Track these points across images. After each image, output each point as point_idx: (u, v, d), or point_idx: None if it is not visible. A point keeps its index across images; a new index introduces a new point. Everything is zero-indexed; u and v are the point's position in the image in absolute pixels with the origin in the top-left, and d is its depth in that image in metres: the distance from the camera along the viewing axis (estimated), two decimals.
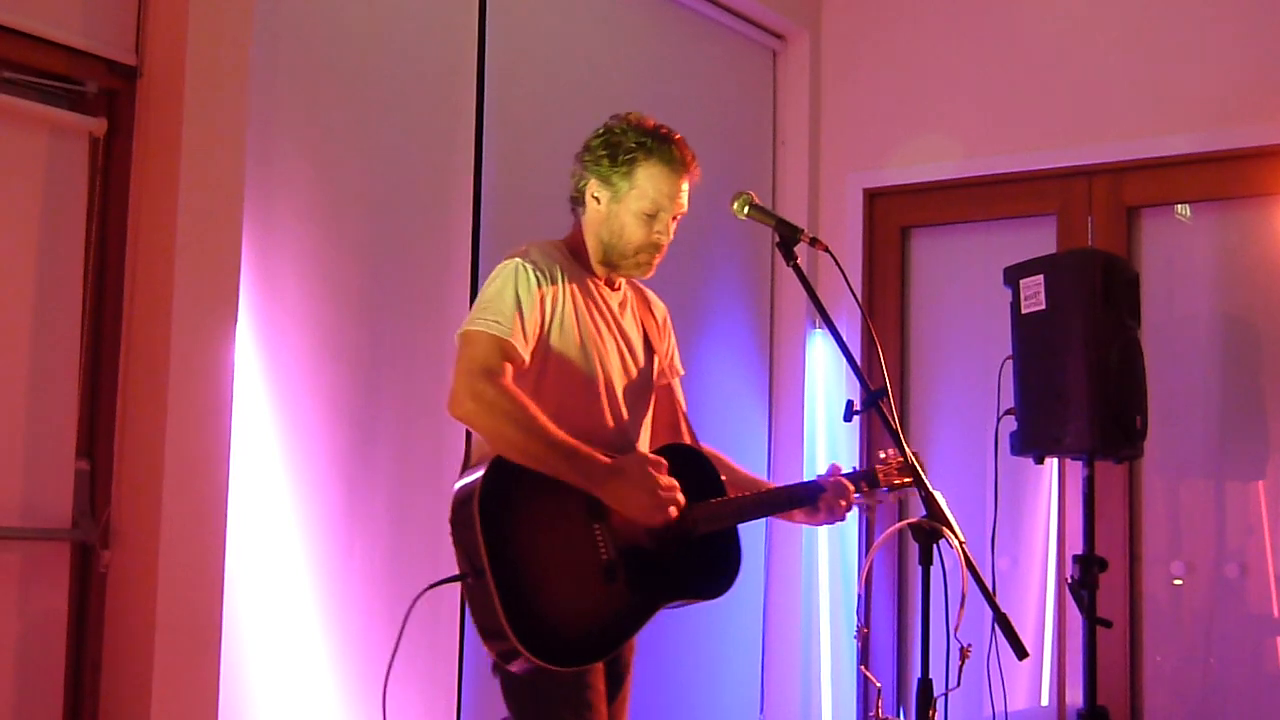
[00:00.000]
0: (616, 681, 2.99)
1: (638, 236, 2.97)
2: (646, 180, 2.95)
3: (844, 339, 2.98)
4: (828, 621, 5.19)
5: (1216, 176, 4.78)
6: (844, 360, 3.00)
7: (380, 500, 3.79)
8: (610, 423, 2.95)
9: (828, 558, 5.20)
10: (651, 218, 2.96)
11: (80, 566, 3.22)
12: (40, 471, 3.16)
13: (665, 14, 4.99)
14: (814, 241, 2.96)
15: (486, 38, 4.15)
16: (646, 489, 2.77)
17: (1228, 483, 4.74)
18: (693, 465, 3.02)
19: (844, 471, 3.12)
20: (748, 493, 3.08)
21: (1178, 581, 4.76)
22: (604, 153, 2.99)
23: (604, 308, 3.02)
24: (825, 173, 5.47)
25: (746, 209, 3.02)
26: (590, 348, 2.94)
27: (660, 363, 3.13)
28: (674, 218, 3.00)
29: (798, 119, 5.47)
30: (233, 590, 3.33)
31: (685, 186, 3.00)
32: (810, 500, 3.07)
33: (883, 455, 3.22)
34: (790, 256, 2.96)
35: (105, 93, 3.27)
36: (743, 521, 3.05)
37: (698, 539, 2.91)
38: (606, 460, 2.78)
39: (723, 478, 3.06)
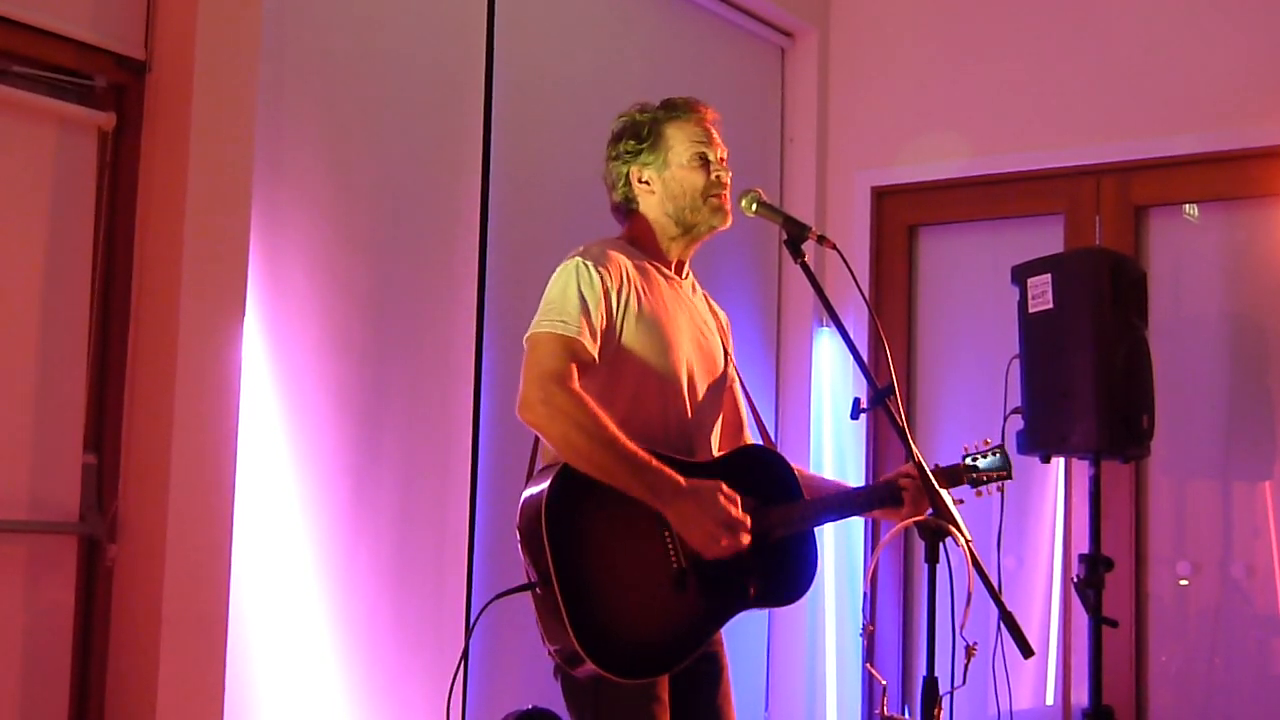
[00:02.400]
0: (714, 678, 2.99)
1: (699, 181, 2.99)
2: (676, 133, 3.02)
3: (851, 337, 2.96)
4: (833, 619, 5.19)
5: (1225, 176, 4.77)
6: (851, 358, 3.00)
7: (387, 496, 3.79)
8: (684, 414, 2.93)
9: (834, 555, 5.20)
10: (702, 163, 2.99)
11: (87, 560, 3.22)
12: (47, 465, 3.16)
13: (673, 12, 4.98)
14: (821, 239, 2.95)
15: (495, 34, 4.15)
16: (714, 517, 2.74)
17: (1234, 483, 4.74)
18: (770, 467, 3.01)
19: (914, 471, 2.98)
20: (824, 495, 3.06)
21: (1184, 581, 4.76)
22: (629, 140, 3.04)
23: (675, 294, 3.00)
24: (833, 171, 5.47)
25: (754, 206, 3.02)
26: (663, 338, 2.91)
27: (729, 361, 3.12)
28: (721, 158, 3.03)
29: (806, 117, 5.47)
30: (239, 585, 3.33)
31: (713, 129, 3.05)
32: (890, 502, 3.01)
33: (969, 449, 3.16)
34: (798, 254, 2.96)
35: (114, 87, 3.27)
36: (818, 525, 3.03)
37: (774, 543, 2.89)
38: (679, 478, 2.74)
39: (798, 479, 3.03)
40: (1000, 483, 3.17)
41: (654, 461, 2.73)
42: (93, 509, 3.19)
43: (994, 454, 3.16)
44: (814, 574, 2.99)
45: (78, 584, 3.21)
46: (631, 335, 2.87)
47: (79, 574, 3.21)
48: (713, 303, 3.19)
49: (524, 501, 2.77)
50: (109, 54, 3.25)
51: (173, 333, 3.21)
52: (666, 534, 2.77)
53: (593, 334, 2.79)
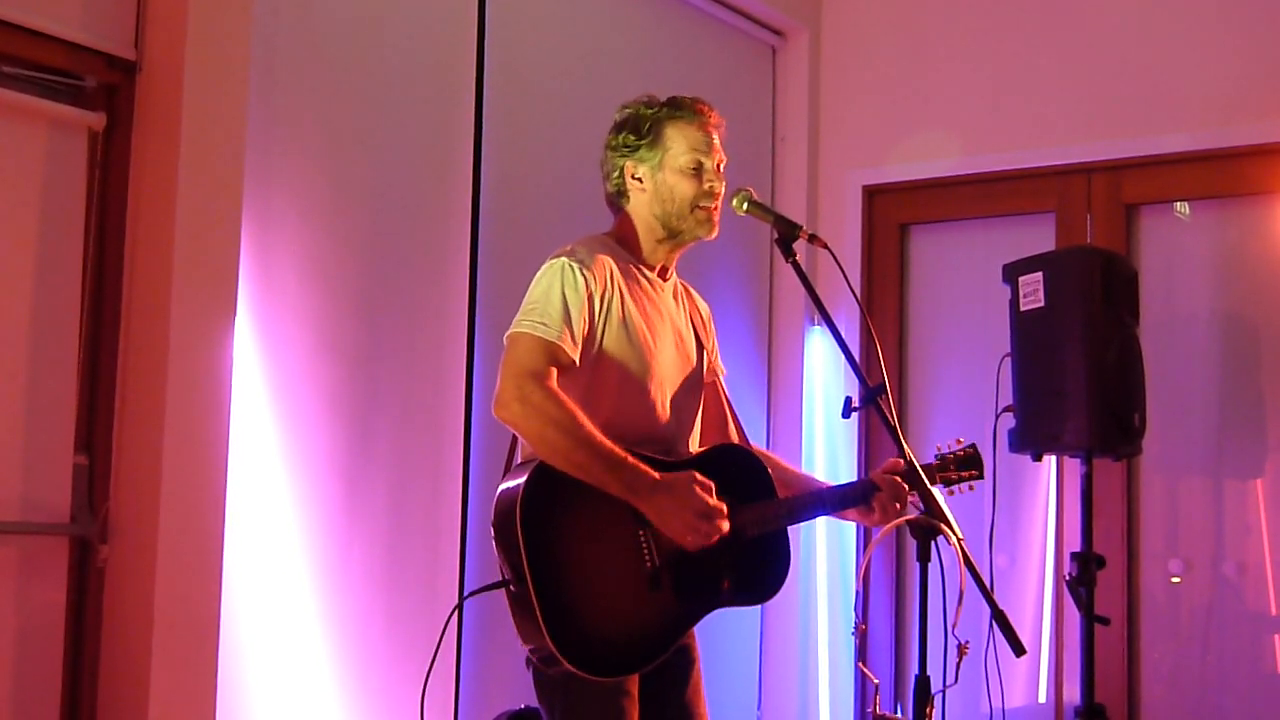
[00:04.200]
0: (684, 673, 2.97)
1: (690, 191, 2.97)
2: (676, 136, 2.99)
3: (843, 336, 2.97)
4: (825, 618, 5.19)
5: (1215, 174, 4.78)
6: (843, 357, 3.00)
7: (379, 496, 3.79)
8: (664, 420, 2.92)
9: (825, 554, 5.20)
10: (696, 171, 2.97)
11: (78, 561, 3.21)
12: (39, 466, 3.16)
13: (665, 10, 4.99)
14: (813, 238, 2.96)
15: (486, 33, 4.15)
16: (691, 508, 2.73)
17: (1226, 480, 4.75)
18: (744, 466, 3.00)
19: (899, 468, 3.01)
20: (798, 493, 3.05)
21: (1176, 579, 4.76)
22: (629, 133, 3.01)
23: (657, 299, 2.99)
24: (824, 169, 5.47)
25: (745, 205, 3.02)
26: (643, 344, 2.90)
27: (709, 359, 3.12)
28: (717, 167, 3.01)
29: (797, 116, 5.47)
30: (231, 585, 3.33)
31: (714, 135, 3.02)
32: (864, 500, 3.02)
33: (941, 449, 3.17)
34: (789, 253, 2.96)
35: (104, 87, 3.27)
36: (793, 523, 3.03)
37: (747, 541, 2.89)
38: (653, 473, 2.74)
39: (771, 476, 3.03)
40: (972, 482, 3.18)
41: (630, 458, 2.73)
42: (84, 510, 3.18)
43: (966, 453, 3.16)
44: (787, 571, 2.98)
45: (69, 585, 3.20)
46: (612, 340, 2.87)
47: (70, 575, 3.21)
48: (695, 295, 3.19)
49: (499, 497, 2.77)
50: (99, 54, 3.24)
51: (164, 333, 3.20)
52: (641, 533, 2.77)
53: (573, 338, 2.79)
